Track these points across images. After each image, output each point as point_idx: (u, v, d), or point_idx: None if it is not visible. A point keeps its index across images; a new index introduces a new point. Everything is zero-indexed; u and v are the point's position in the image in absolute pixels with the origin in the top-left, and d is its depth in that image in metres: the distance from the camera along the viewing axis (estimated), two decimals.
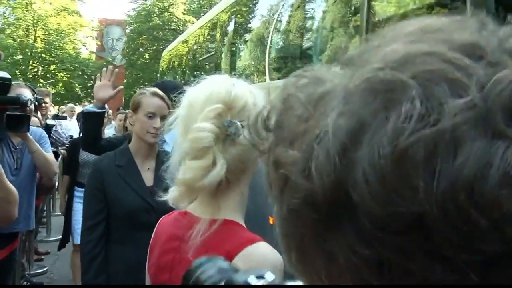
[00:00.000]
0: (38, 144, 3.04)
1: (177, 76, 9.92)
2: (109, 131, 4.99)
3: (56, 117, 5.29)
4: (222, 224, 0.95)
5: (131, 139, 2.13)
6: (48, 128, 3.92)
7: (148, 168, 2.07)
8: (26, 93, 3.03)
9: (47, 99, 4.86)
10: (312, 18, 3.96)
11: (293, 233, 0.31)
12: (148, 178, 2.03)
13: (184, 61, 9.30)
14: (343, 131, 0.27)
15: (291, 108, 0.32)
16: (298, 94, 0.32)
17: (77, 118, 6.30)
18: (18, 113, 2.64)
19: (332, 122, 0.28)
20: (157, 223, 1.16)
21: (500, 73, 0.26)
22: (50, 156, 3.18)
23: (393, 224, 0.25)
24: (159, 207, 1.77)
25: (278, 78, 4.33)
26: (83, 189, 3.69)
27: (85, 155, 3.81)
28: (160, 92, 2.08)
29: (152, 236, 1.13)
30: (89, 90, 24.41)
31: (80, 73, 23.23)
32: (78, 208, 3.77)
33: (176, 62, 10.06)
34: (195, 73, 8.28)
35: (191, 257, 0.84)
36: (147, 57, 25.98)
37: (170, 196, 1.03)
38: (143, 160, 2.07)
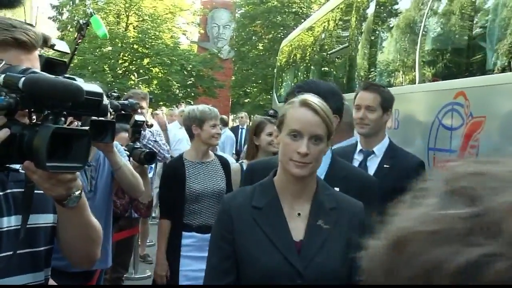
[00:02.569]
0: (123, 158, 3.26)
1: (299, 74, 10.37)
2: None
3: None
4: None
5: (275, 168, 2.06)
6: (137, 127, 3.88)
7: (299, 214, 1.97)
8: None
9: (144, 104, 5.10)
10: None
11: None
12: (297, 228, 1.94)
13: (308, 54, 9.70)
14: None
15: None
16: None
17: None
18: (101, 118, 2.71)
19: None
20: None
21: None
22: (135, 173, 3.39)
23: None
24: (309, 273, 1.89)
25: (433, 80, 4.40)
26: (200, 235, 3.96)
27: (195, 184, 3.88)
28: (315, 100, 1.97)
29: None
30: (188, 90, 26.39)
31: (178, 68, 25.09)
32: (185, 264, 3.83)
33: (298, 56, 10.52)
34: (322, 69, 8.60)
35: None
36: (261, 48, 27.25)
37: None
38: (292, 201, 1.98)
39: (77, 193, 1.51)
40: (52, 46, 1.55)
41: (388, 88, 5.08)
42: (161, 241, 3.93)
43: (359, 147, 3.30)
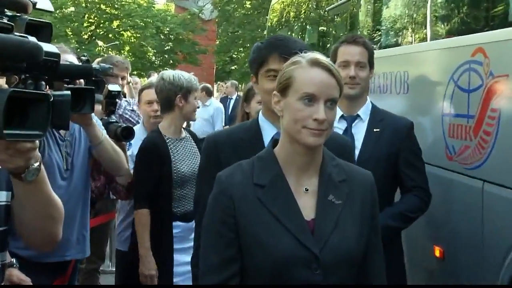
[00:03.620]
0: (103, 131, 3.23)
1: (293, 35, 10.34)
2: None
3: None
4: None
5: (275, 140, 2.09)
6: (112, 99, 3.73)
7: (307, 189, 1.98)
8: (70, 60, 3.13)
9: (125, 74, 5.22)
10: None
11: None
12: (307, 206, 1.94)
13: (303, 11, 9.69)
14: None
15: None
16: None
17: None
18: (78, 86, 2.88)
19: None
20: None
21: None
22: (118, 148, 3.39)
23: None
24: (325, 256, 1.89)
25: (447, 36, 4.43)
26: (185, 224, 3.90)
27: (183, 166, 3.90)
28: (325, 59, 1.99)
29: None
30: (166, 56, 26.24)
31: (154, 31, 24.94)
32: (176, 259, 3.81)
33: (291, 14, 10.49)
34: (320, 29, 8.60)
35: None
36: (249, 6, 27.02)
37: None
38: (299, 175, 1.98)
39: (35, 164, 1.52)
40: (34, 5, 1.53)
41: (397, 48, 5.14)
42: (144, 234, 3.78)
43: (338, 112, 3.32)
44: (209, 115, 11.20)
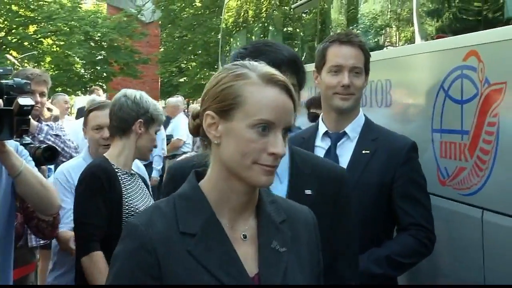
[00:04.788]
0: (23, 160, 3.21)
1: (254, 38, 10.46)
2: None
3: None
4: None
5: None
6: (23, 115, 3.57)
7: (245, 236, 1.95)
8: None
9: (44, 89, 5.14)
10: None
11: None
12: (248, 258, 1.91)
13: (264, 9, 9.82)
14: None
15: None
16: None
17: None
18: None
19: None
20: None
21: None
22: (46, 181, 3.36)
23: None
24: None
25: (437, 36, 4.57)
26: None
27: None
28: (281, 76, 1.96)
29: None
30: (98, 68, 25.96)
31: (82, 37, 24.74)
32: None
33: (250, 13, 10.62)
34: (285, 30, 8.71)
35: None
36: (198, 4, 27.06)
37: None
38: (233, 218, 1.94)
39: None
40: None
41: (377, 52, 5.26)
42: (100, 282, 3.55)
43: (321, 128, 3.33)
44: None
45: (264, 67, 1.94)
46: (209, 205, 1.91)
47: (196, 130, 2.03)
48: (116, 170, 3.78)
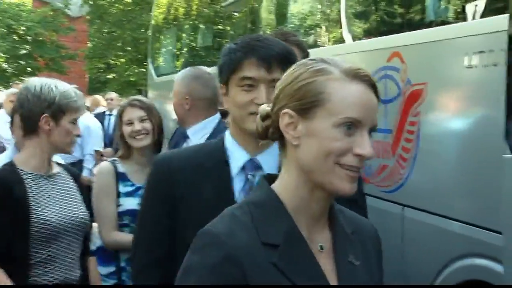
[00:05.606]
0: None
1: (184, 35, 10.47)
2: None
3: None
4: None
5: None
6: None
7: (322, 248, 1.80)
8: None
9: None
10: None
11: None
12: (327, 271, 1.76)
13: (195, 7, 9.85)
14: None
15: None
16: None
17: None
18: None
19: None
20: None
21: None
22: None
23: None
24: None
25: (366, 37, 4.69)
26: None
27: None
28: (367, 72, 1.75)
29: None
30: (22, 63, 25.50)
31: (4, 30, 24.25)
32: None
33: (180, 10, 10.62)
34: (215, 28, 8.75)
35: None
36: (128, 1, 26.95)
37: None
38: (310, 228, 1.78)
39: None
40: None
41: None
42: None
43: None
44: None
45: (344, 62, 1.75)
46: (288, 214, 1.75)
47: (265, 133, 1.84)
48: (26, 176, 3.29)
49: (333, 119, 1.66)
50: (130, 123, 3.91)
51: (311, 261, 1.72)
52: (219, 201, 2.14)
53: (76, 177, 3.62)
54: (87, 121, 11.03)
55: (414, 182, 3.77)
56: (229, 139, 2.42)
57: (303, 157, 1.72)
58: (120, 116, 4.03)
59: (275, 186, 1.79)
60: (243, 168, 2.37)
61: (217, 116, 3.82)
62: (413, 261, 3.78)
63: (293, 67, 1.79)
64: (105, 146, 11.38)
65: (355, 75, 1.68)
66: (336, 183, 1.68)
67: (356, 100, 1.67)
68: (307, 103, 1.70)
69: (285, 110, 1.72)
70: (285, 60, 2.26)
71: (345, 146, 1.65)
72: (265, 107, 1.85)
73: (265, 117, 1.84)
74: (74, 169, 3.89)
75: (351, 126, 1.66)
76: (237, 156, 2.38)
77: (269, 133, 1.82)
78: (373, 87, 1.70)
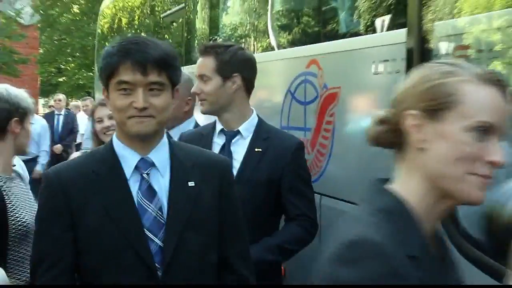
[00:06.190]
0: None
1: None
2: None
3: None
4: None
5: None
6: None
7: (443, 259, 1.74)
8: None
9: None
10: None
11: None
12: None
13: (137, 17, 10.19)
14: None
15: None
16: None
17: None
18: None
19: None
20: None
21: None
22: None
23: None
24: None
25: (289, 45, 5.11)
26: None
27: None
28: (501, 77, 1.64)
29: None
30: None
31: None
32: None
33: (123, 20, 10.86)
34: (155, 37, 9.06)
35: None
36: (76, 10, 27.25)
37: None
38: (429, 233, 1.68)
39: None
40: None
41: None
42: None
43: (218, 126, 3.50)
44: (35, 133, 11.19)
45: (475, 66, 1.65)
46: (419, 223, 1.62)
47: (381, 137, 1.76)
48: None
49: (465, 123, 1.55)
50: (101, 120, 4.19)
51: (445, 275, 1.66)
52: (119, 205, 2.31)
53: (21, 176, 3.57)
54: (42, 121, 11.22)
55: (330, 174, 4.18)
56: (117, 142, 2.42)
57: (430, 162, 1.61)
58: (92, 114, 4.33)
59: (396, 192, 1.67)
60: (136, 168, 2.37)
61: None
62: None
63: (416, 70, 1.69)
64: (54, 143, 11.83)
65: (489, 79, 1.59)
66: (466, 192, 1.58)
67: (490, 104, 1.57)
68: (436, 105, 1.59)
69: (411, 111, 1.63)
70: (163, 63, 2.26)
71: (476, 152, 1.55)
72: (381, 112, 1.75)
73: (379, 122, 1.75)
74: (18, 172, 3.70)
75: (483, 131, 1.55)
76: (128, 157, 2.38)
77: (383, 138, 1.74)
78: (505, 93, 1.59)
